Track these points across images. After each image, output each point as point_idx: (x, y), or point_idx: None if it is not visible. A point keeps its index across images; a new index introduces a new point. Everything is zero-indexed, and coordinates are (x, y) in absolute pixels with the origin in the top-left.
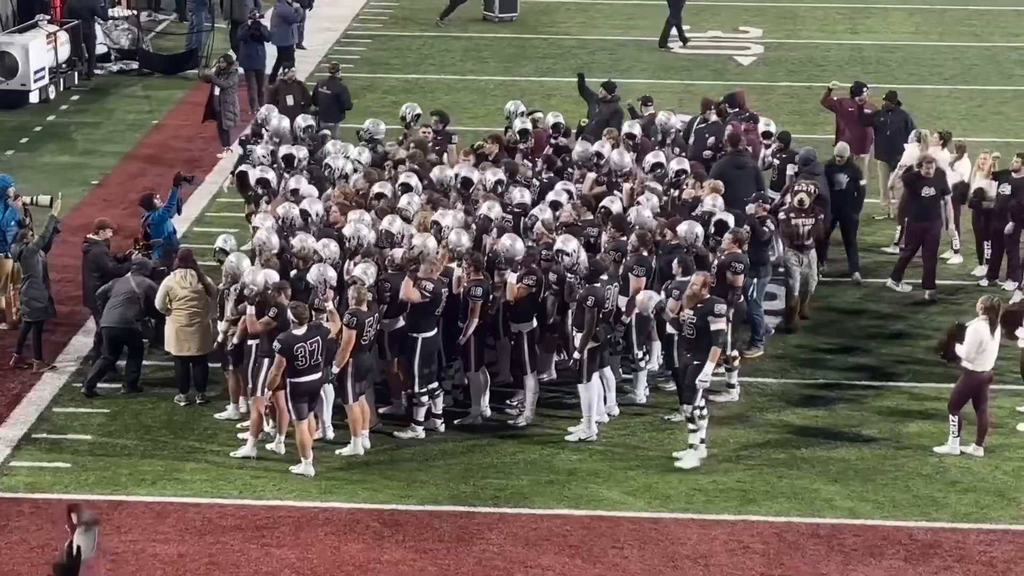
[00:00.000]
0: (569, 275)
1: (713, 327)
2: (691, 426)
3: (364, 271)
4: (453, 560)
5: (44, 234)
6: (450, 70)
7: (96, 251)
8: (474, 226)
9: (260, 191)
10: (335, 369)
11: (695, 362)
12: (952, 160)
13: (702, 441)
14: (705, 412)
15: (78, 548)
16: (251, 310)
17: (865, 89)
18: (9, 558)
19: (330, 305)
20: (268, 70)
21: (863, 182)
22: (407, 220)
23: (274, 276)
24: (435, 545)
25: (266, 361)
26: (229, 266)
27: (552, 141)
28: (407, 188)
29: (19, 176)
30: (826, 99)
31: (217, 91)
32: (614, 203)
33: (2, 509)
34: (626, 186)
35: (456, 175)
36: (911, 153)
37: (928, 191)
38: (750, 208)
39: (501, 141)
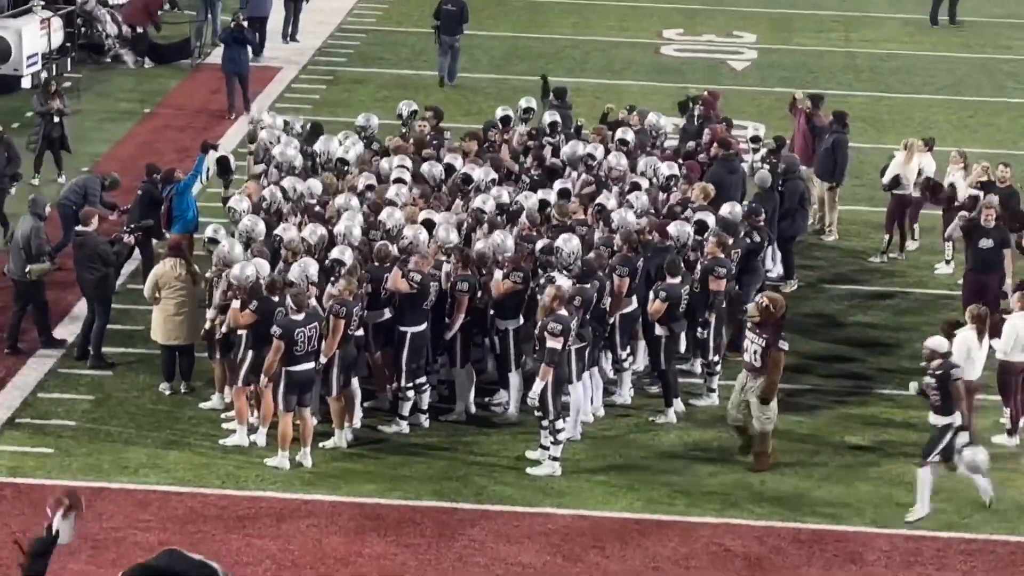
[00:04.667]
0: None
1: (548, 344)
2: (550, 438)
3: (342, 253)
4: (434, 555)
5: None
6: None
7: (91, 242)
8: (466, 222)
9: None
10: (323, 359)
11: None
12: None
13: (554, 459)
14: (562, 431)
15: (57, 531)
16: (236, 303)
17: (822, 103)
18: None
19: (312, 302)
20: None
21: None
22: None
23: (265, 266)
24: (417, 540)
25: (250, 353)
26: (221, 252)
27: (548, 140)
28: (399, 182)
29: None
30: (793, 107)
31: (56, 118)
32: (609, 200)
33: None
34: (615, 188)
35: (448, 167)
36: (898, 161)
37: (986, 242)
38: (738, 205)
39: (479, 139)
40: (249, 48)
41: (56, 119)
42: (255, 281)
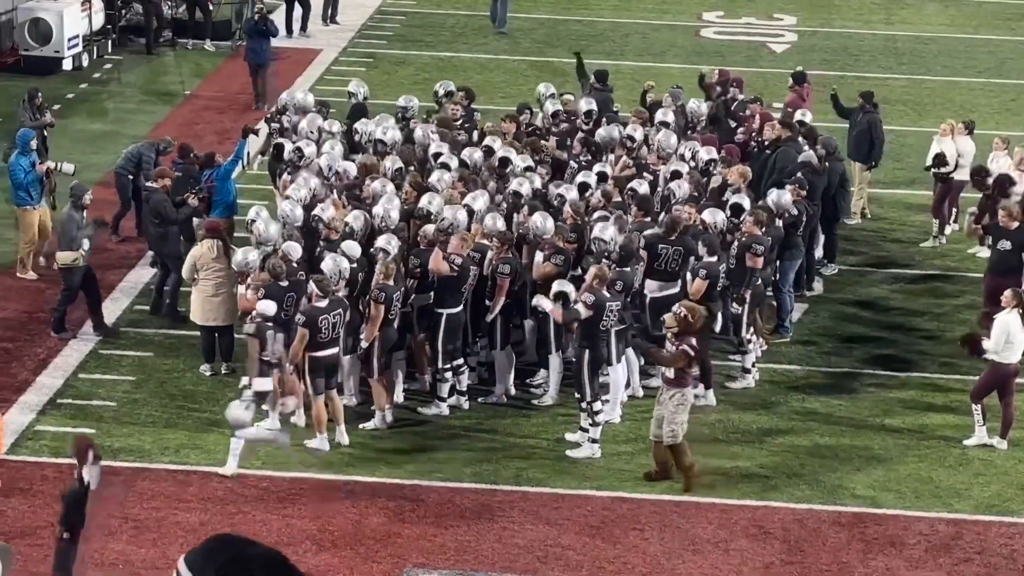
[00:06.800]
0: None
1: (577, 305)
2: (589, 420)
3: (387, 241)
4: (473, 537)
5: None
6: (483, 49)
7: (156, 199)
8: (504, 204)
9: (296, 159)
10: (364, 344)
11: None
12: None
13: (594, 441)
14: (600, 413)
15: (88, 481)
16: (242, 288)
17: (804, 81)
18: (32, 521)
19: (342, 295)
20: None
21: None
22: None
23: (296, 250)
24: (456, 521)
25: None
26: (257, 231)
27: (583, 127)
28: (443, 167)
29: (50, 142)
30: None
31: (45, 131)
32: (642, 185)
33: (26, 472)
34: (663, 168)
35: (487, 149)
36: (939, 143)
37: (1004, 244)
38: (787, 192)
39: (517, 121)
40: (271, 39)
41: (44, 132)
42: (260, 264)
